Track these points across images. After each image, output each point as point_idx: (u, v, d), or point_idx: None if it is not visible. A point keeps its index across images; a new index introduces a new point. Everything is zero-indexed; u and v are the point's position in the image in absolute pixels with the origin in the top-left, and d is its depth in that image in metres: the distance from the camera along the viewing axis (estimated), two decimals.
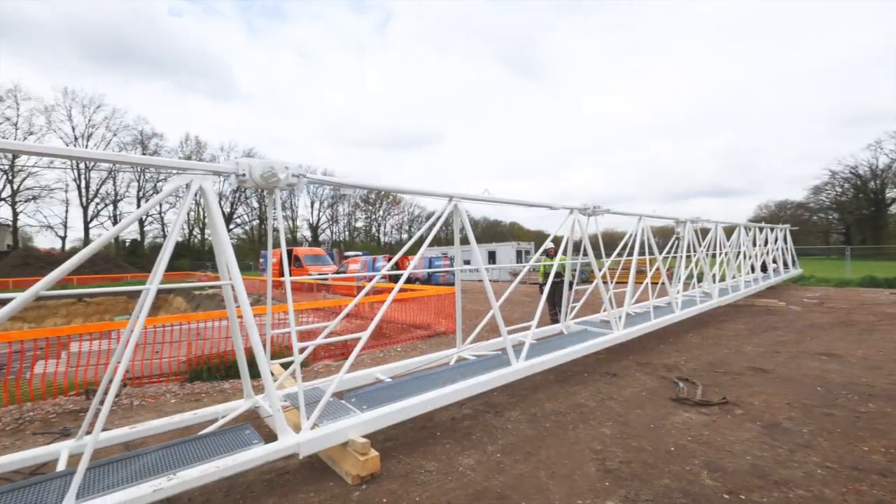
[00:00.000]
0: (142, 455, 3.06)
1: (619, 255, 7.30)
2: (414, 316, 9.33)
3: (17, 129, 40.80)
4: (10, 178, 40.69)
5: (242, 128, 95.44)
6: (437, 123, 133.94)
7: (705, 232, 10.08)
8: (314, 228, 64.25)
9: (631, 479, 3.16)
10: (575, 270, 6.96)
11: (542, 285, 8.44)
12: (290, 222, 61.41)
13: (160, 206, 47.23)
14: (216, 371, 6.17)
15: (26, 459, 3.28)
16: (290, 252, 20.80)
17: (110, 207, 48.27)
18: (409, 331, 8.83)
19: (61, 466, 3.08)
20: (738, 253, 11.61)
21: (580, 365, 6.12)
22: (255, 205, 57.99)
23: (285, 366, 4.26)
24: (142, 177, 47.60)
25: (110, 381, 2.93)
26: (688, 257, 9.05)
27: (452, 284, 18.04)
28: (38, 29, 65.05)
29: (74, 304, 23.51)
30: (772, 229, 15.07)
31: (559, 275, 7.89)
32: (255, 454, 2.98)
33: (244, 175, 3.34)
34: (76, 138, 44.49)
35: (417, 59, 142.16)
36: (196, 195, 3.21)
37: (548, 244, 8.23)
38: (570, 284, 7.02)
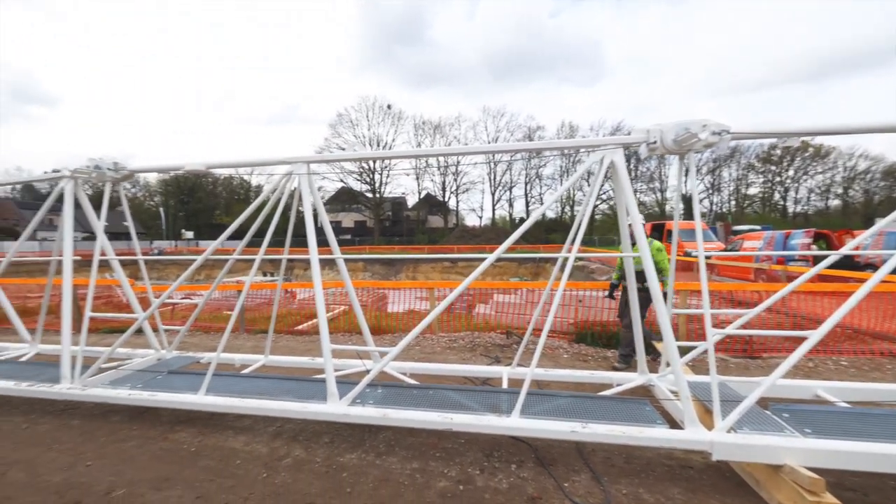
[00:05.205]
0: (555, 396, 3.58)
1: None
2: (871, 320, 6.44)
3: (459, 143, 59.03)
4: (455, 177, 59.84)
5: (608, 103, 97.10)
6: None
7: None
8: (687, 200, 57.45)
9: None
10: None
11: (613, 287, 5.49)
12: (658, 194, 57.39)
13: (541, 186, 56.61)
14: (598, 338, 6.57)
15: (480, 371, 4.60)
16: (661, 226, 18.39)
17: (507, 193, 61.91)
18: (860, 339, 6.16)
19: (504, 385, 4.06)
20: None
21: None
22: None
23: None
24: (528, 164, 58.14)
25: (538, 329, 3.57)
26: None
27: None
28: (470, 70, 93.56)
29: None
30: None
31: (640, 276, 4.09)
32: (662, 435, 2.84)
33: (655, 142, 3.15)
34: (488, 142, 59.31)
35: None
36: (607, 169, 3.31)
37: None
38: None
